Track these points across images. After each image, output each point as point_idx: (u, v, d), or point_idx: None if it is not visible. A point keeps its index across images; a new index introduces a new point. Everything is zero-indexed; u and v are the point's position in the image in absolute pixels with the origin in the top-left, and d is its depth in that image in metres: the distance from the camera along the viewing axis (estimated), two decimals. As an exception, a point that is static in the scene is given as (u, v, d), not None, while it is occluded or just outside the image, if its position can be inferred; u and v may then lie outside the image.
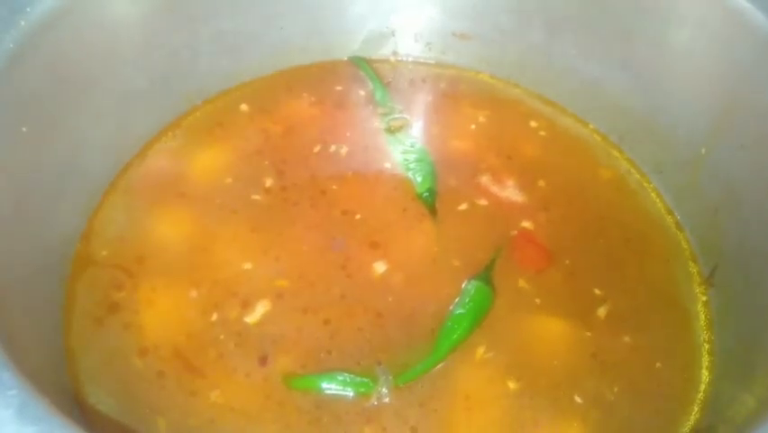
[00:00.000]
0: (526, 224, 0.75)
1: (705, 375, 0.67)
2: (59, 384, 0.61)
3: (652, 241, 0.76)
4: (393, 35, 0.90)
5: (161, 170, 0.77)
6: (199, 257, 0.70)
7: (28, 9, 0.63)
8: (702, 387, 0.66)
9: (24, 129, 0.63)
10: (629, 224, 0.77)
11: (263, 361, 0.64)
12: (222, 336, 0.65)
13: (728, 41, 0.71)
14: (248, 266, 0.69)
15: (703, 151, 0.75)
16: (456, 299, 0.68)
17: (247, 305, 0.67)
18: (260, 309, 0.67)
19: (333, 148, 0.80)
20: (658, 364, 0.66)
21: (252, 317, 0.66)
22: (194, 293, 0.68)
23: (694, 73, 0.75)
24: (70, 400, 0.61)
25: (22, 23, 0.63)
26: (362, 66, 0.88)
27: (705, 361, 0.67)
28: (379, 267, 0.70)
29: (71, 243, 0.70)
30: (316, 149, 0.79)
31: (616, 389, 0.64)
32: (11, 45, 0.61)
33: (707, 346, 0.69)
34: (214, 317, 0.66)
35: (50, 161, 0.67)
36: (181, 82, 0.81)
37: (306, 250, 0.71)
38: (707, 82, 0.74)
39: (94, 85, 0.71)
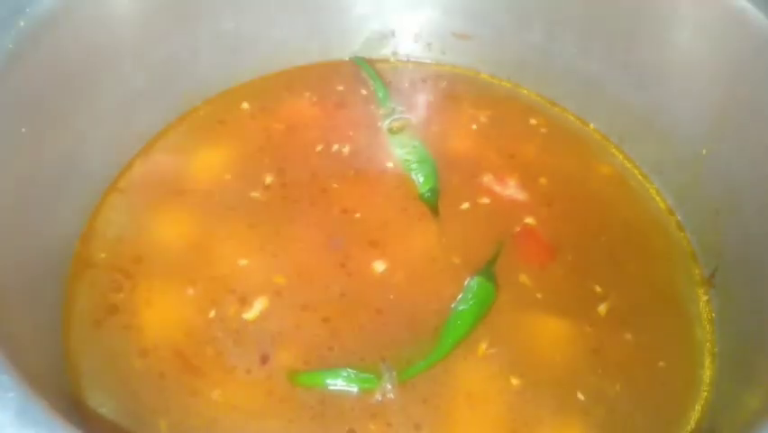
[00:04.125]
0: (529, 219, 0.74)
1: (707, 376, 0.66)
2: (58, 387, 0.61)
3: (653, 240, 0.76)
4: (393, 35, 0.90)
5: (161, 169, 0.77)
6: (196, 255, 0.70)
7: (28, 9, 0.63)
8: (704, 387, 0.66)
9: (24, 130, 0.63)
10: (630, 222, 0.76)
11: (264, 359, 0.63)
12: (220, 334, 0.65)
13: (728, 41, 0.71)
14: (244, 263, 0.69)
15: (704, 151, 0.75)
16: (459, 296, 0.68)
17: (245, 302, 0.66)
18: (258, 306, 0.66)
19: (335, 147, 0.79)
20: (660, 363, 0.66)
21: (250, 314, 0.66)
22: (191, 291, 0.67)
23: (694, 73, 0.75)
24: (70, 403, 0.61)
25: (22, 23, 0.62)
26: (364, 66, 0.88)
27: (707, 361, 0.67)
28: (379, 266, 0.70)
29: (71, 243, 0.70)
30: (318, 148, 0.79)
31: (617, 387, 0.64)
32: (10, 45, 0.61)
33: (708, 346, 0.68)
34: (212, 314, 0.66)
35: (50, 161, 0.67)
36: (182, 81, 0.81)
37: (305, 248, 0.71)
38: (707, 82, 0.74)
39: (94, 85, 0.71)
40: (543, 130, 0.84)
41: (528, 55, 0.86)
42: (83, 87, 0.69)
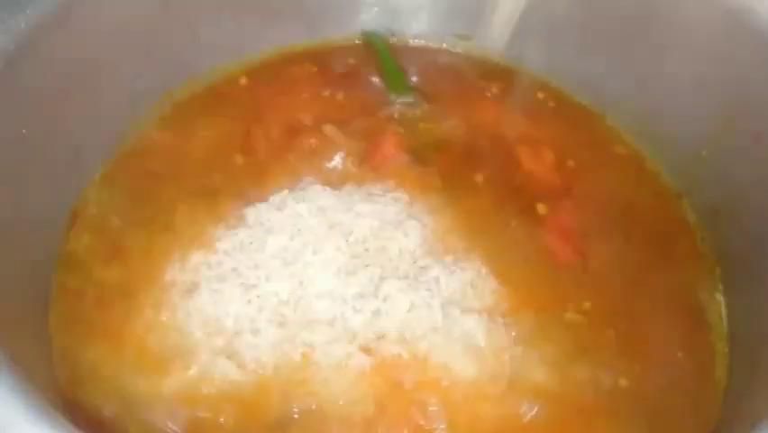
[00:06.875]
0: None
1: (721, 372, 0.66)
2: (55, 386, 0.61)
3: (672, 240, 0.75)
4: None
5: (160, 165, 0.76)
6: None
7: (28, 10, 0.63)
8: (719, 383, 0.65)
9: (24, 131, 0.63)
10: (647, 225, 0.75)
11: None
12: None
13: (728, 41, 0.70)
14: None
15: (704, 153, 0.74)
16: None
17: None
18: None
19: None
20: (679, 353, 0.66)
21: None
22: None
23: (694, 75, 0.74)
24: (67, 402, 0.60)
25: (23, 24, 0.62)
26: (376, 43, 0.86)
27: (721, 359, 0.67)
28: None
29: (67, 240, 0.70)
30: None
31: (635, 378, 0.64)
32: (11, 47, 0.61)
33: (721, 345, 0.68)
34: None
35: (50, 161, 0.67)
36: (183, 86, 0.81)
37: None
38: (707, 84, 0.73)
39: (93, 85, 0.71)
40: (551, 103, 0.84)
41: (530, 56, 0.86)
42: (82, 88, 0.69)
